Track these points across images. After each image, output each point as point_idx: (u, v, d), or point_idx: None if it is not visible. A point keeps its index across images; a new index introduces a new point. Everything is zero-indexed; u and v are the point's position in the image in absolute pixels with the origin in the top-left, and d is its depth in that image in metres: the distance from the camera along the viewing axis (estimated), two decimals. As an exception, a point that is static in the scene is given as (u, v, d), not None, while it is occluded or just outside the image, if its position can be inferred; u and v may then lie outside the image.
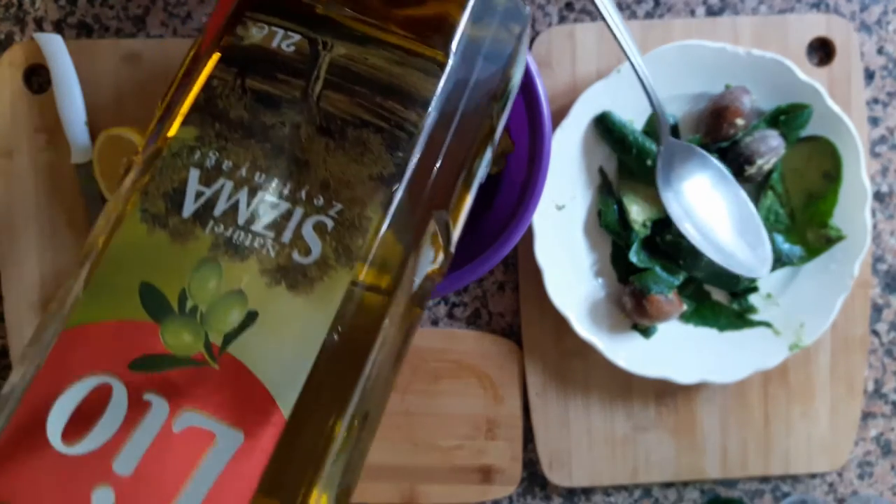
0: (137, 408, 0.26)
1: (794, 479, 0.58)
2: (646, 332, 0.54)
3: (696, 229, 0.50)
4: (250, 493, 0.26)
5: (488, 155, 0.36)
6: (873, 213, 0.56)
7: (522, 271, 0.55)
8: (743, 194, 0.51)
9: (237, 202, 0.29)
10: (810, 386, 0.56)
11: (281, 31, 0.31)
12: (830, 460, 0.57)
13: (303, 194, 0.29)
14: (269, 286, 0.28)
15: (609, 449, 0.56)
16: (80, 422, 0.26)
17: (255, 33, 0.31)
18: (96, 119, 0.53)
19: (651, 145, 0.52)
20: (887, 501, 0.56)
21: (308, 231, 0.29)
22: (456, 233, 0.34)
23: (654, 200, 0.53)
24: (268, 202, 0.29)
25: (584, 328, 0.53)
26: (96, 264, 0.28)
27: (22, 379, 0.27)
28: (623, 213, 0.53)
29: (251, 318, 0.28)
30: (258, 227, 0.29)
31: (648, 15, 0.55)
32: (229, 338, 0.28)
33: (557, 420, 0.56)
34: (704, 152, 0.51)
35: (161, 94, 0.53)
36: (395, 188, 0.30)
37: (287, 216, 0.29)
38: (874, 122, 0.56)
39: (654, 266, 0.53)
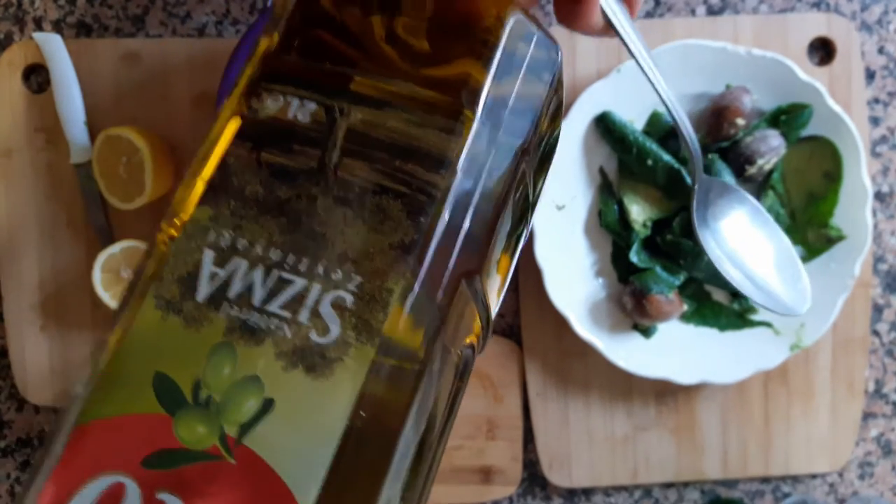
0: None
1: (795, 479, 0.58)
2: (646, 332, 0.54)
3: (738, 270, 0.48)
4: None
5: (529, 212, 0.34)
6: (874, 213, 0.56)
7: (522, 271, 0.55)
8: (777, 228, 0.50)
9: (252, 282, 0.28)
10: (811, 386, 0.56)
11: (296, 101, 0.30)
12: (831, 460, 0.57)
13: (320, 269, 0.28)
14: (285, 370, 0.27)
15: (609, 449, 0.56)
16: None
17: (271, 105, 0.30)
18: (96, 119, 0.53)
19: (651, 145, 0.52)
20: (888, 502, 0.56)
21: (326, 308, 0.27)
22: (497, 298, 0.33)
23: (655, 200, 0.53)
24: (284, 280, 0.28)
25: (584, 328, 0.53)
26: (111, 355, 0.27)
27: (37, 481, 0.26)
28: (623, 213, 0.53)
29: (267, 406, 0.26)
30: (274, 307, 0.27)
31: (649, 14, 0.55)
32: (245, 428, 0.26)
33: (557, 420, 0.56)
34: (739, 188, 0.50)
35: (160, 93, 0.53)
36: (417, 256, 0.28)
37: (304, 294, 0.27)
38: (875, 121, 0.56)
39: (654, 266, 0.53)
